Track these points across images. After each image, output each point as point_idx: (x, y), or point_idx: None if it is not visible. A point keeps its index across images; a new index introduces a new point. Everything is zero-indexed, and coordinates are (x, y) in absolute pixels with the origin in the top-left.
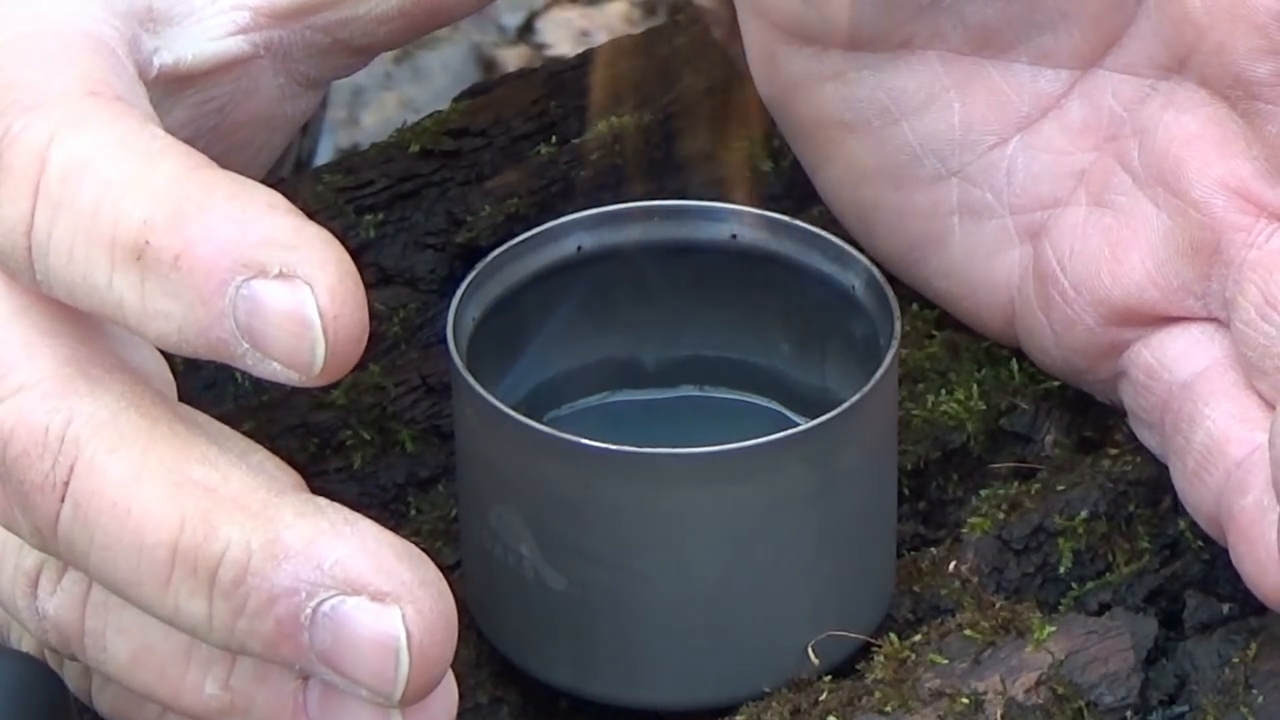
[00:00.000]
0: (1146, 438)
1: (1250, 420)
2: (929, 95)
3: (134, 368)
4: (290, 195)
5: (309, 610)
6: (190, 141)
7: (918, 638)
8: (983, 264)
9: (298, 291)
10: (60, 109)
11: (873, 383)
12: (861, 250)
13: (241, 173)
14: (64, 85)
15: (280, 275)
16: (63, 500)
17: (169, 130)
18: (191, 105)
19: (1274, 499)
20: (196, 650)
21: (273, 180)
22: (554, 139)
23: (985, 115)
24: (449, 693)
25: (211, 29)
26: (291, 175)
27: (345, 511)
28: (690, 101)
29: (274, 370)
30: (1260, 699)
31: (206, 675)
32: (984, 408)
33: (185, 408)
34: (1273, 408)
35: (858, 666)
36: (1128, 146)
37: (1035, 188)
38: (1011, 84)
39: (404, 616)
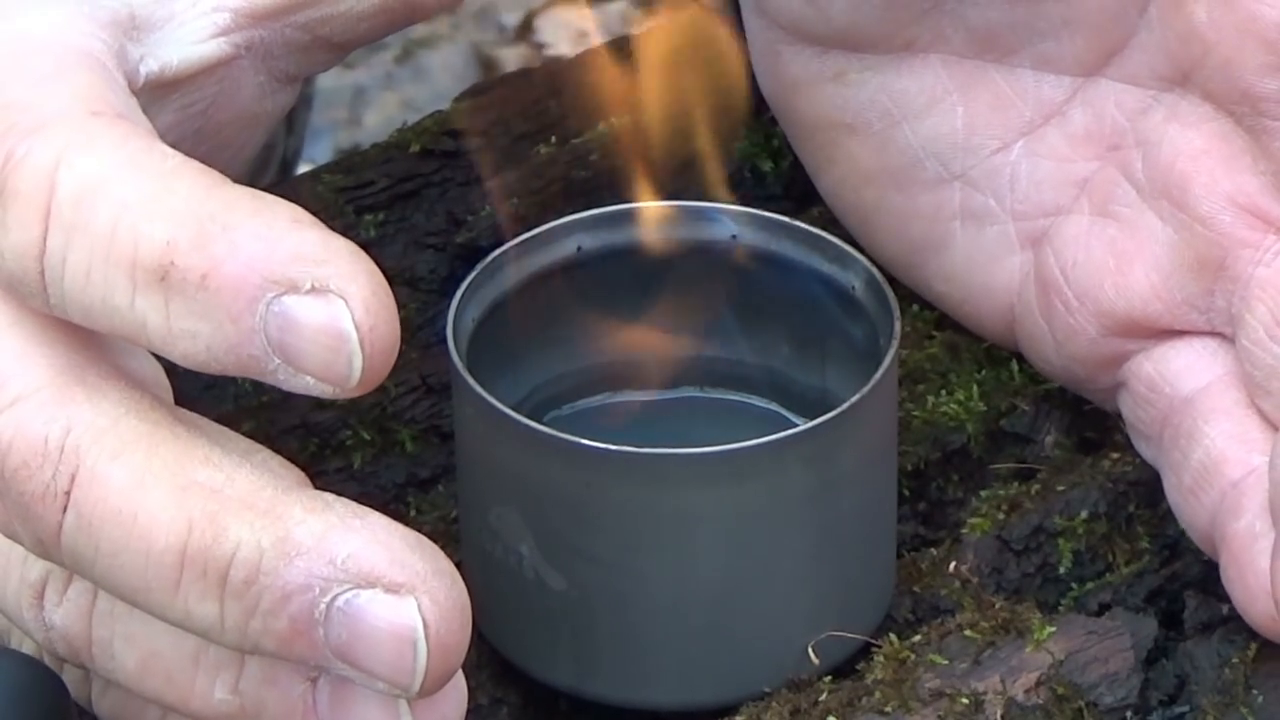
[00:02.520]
0: (1143, 449)
1: (1249, 441)
2: (931, 98)
3: (130, 373)
4: (290, 195)
5: (323, 606)
6: (175, 145)
7: (918, 638)
8: (984, 269)
9: (332, 305)
10: (63, 131)
11: (872, 383)
12: (862, 251)
13: (224, 171)
14: (63, 105)
15: (312, 290)
16: (65, 510)
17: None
18: (176, 109)
19: (1267, 524)
20: (204, 655)
21: (259, 183)
22: (554, 139)
23: (988, 119)
24: (459, 689)
25: (193, 32)
26: (277, 176)
27: (353, 505)
28: (690, 101)
29: (306, 384)
30: (1260, 699)
31: (215, 680)
32: (984, 408)
33: (184, 411)
34: (1274, 428)
35: (858, 667)
36: (1131, 157)
37: (1038, 194)
38: (1015, 88)
39: (420, 606)
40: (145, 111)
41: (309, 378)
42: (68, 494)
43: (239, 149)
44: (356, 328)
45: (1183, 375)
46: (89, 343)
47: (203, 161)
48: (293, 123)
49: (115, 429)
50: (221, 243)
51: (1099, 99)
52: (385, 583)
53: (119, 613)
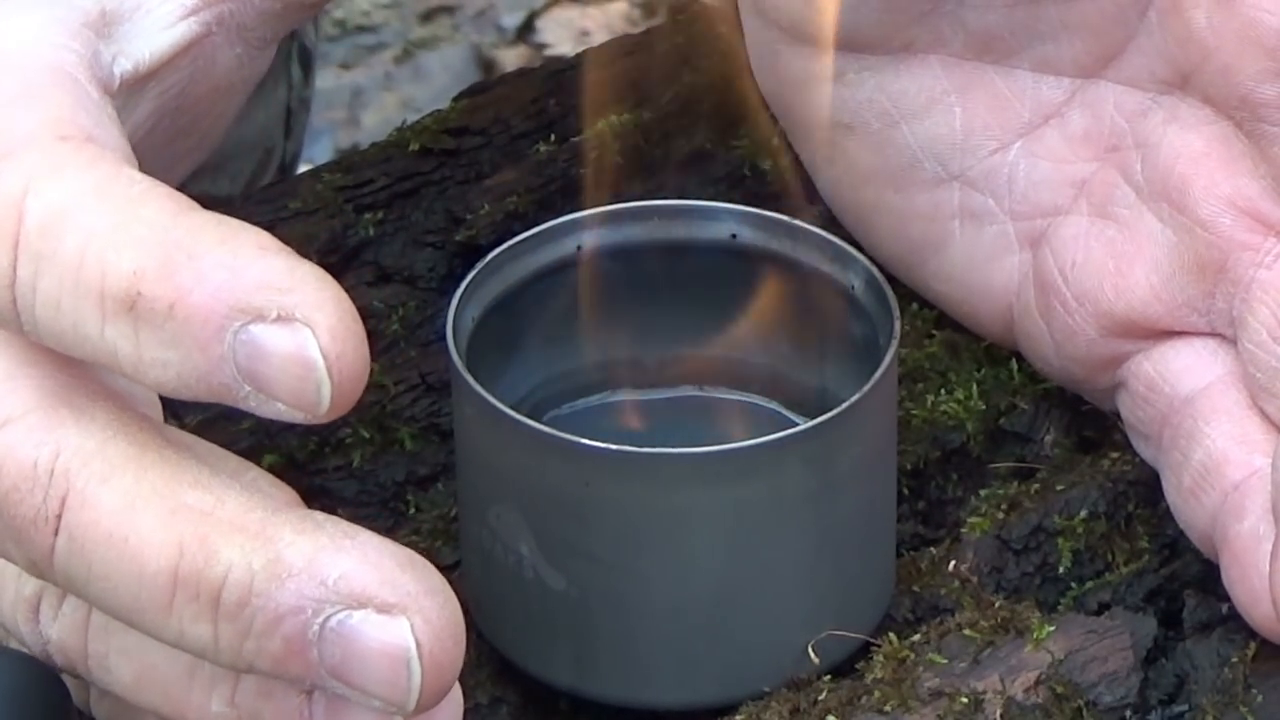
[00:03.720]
0: (1142, 449)
1: (1250, 443)
2: (930, 99)
3: (118, 392)
4: (290, 194)
5: (316, 627)
6: (155, 125)
7: (917, 637)
8: (982, 269)
9: (298, 334)
10: (32, 157)
11: (872, 382)
12: (861, 250)
13: (201, 142)
14: (31, 129)
15: (279, 319)
16: (56, 533)
17: (135, 126)
18: (154, 97)
19: (1271, 527)
20: (200, 669)
21: (257, 186)
22: (553, 137)
23: (986, 120)
24: (454, 699)
25: (161, 18)
26: (275, 180)
27: (344, 524)
28: (690, 100)
29: (278, 410)
30: (1259, 698)
31: (211, 693)
32: (983, 407)
33: (173, 430)
34: (1277, 430)
35: (857, 666)
36: (1130, 159)
37: (1036, 195)
38: (1013, 90)
39: (412, 627)
40: (123, 107)
41: (280, 404)
42: (59, 517)
43: (218, 117)
44: (324, 355)
45: (1182, 375)
46: (75, 363)
47: (184, 132)
48: (291, 127)
49: (104, 452)
50: (187, 272)
51: (1098, 101)
52: (377, 603)
53: (114, 627)
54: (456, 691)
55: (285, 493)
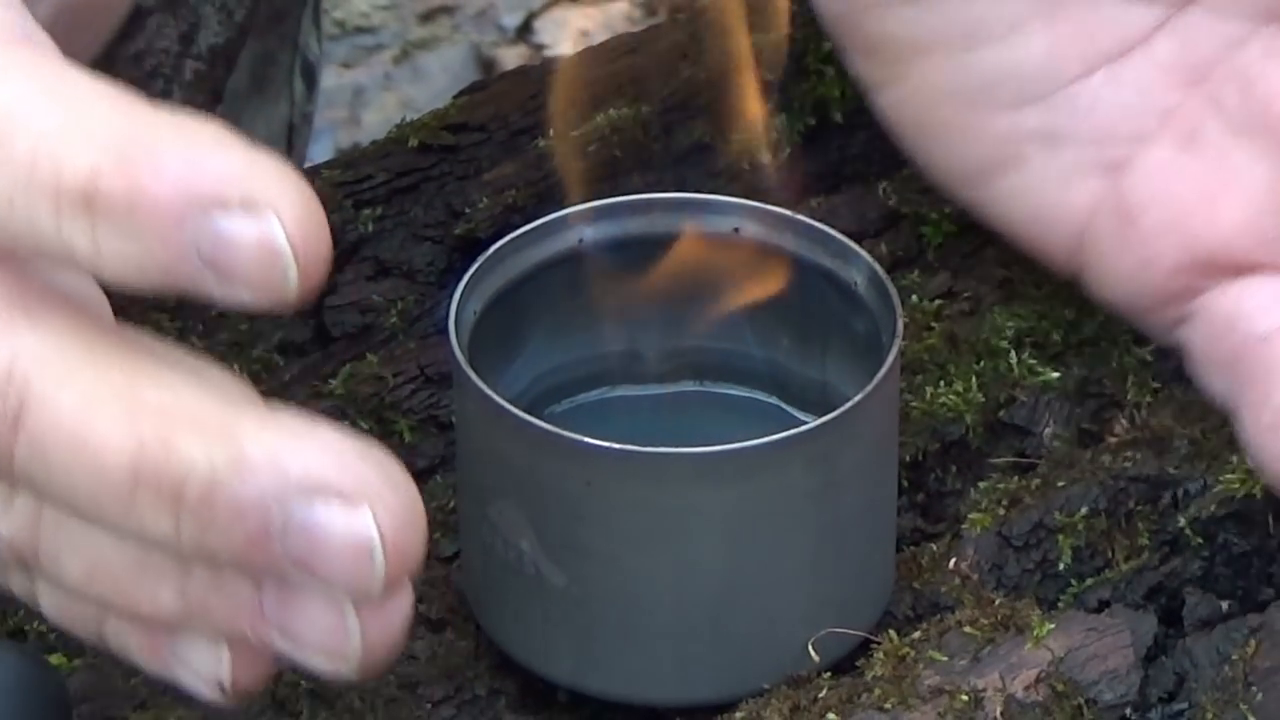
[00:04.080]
0: (1211, 384)
1: None
2: (1012, 24)
3: (70, 293)
4: None
5: (279, 520)
6: (54, 22)
7: (917, 635)
8: (1056, 192)
9: (264, 221)
10: None
11: (876, 382)
12: (911, 167)
13: (96, 38)
14: None
15: (242, 207)
16: (16, 435)
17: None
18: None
19: None
20: (150, 561)
21: None
22: (551, 132)
23: (1069, 47)
24: (405, 590)
25: None
26: None
27: (304, 418)
28: (690, 94)
29: (242, 298)
30: (1259, 696)
31: (161, 585)
32: (982, 399)
33: (128, 330)
34: None
35: (857, 663)
36: (1222, 91)
37: (1120, 123)
38: (1099, 16)
39: (375, 516)
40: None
41: (245, 292)
42: (17, 419)
43: (112, 11)
44: (290, 241)
45: (1261, 313)
46: (24, 268)
47: (80, 28)
48: (293, 142)
49: (61, 354)
50: (146, 165)
51: (1188, 30)
52: (339, 494)
53: (65, 522)
54: (406, 583)
55: (245, 388)
